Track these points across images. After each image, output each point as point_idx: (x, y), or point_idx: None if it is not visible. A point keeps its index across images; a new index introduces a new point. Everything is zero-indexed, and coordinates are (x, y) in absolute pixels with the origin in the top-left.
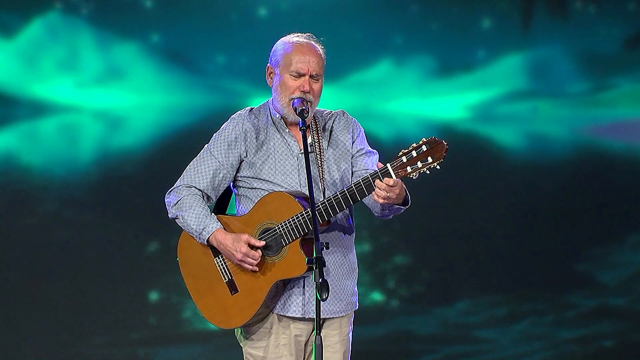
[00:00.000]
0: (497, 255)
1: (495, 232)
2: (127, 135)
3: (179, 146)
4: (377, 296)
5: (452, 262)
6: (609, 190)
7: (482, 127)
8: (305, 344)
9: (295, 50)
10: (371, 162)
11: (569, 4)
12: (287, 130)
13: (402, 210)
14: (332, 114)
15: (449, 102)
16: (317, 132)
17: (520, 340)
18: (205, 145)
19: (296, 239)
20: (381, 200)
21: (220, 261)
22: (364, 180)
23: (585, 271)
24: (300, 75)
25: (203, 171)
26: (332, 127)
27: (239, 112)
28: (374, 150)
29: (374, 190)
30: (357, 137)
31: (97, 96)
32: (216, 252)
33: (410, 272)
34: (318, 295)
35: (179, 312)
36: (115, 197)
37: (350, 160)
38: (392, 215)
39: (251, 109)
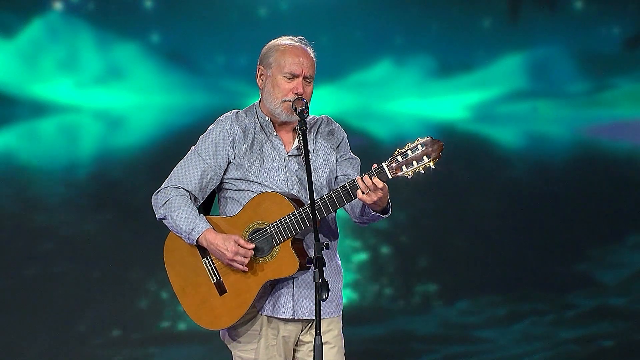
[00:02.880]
0: (497, 255)
1: (495, 232)
2: (127, 135)
3: (179, 146)
4: (376, 296)
5: (452, 262)
6: (609, 190)
7: (482, 127)
8: (294, 345)
9: (288, 52)
10: (352, 168)
11: None
12: (275, 133)
13: (381, 219)
14: (317, 120)
15: (449, 102)
16: (304, 135)
17: (520, 340)
18: (192, 147)
19: (287, 239)
20: (360, 195)
21: (209, 262)
22: (358, 177)
23: (585, 271)
24: (294, 76)
25: (191, 172)
26: (317, 131)
27: (225, 114)
28: (356, 156)
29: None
30: (340, 141)
31: (97, 96)
32: (204, 253)
33: (410, 272)
34: (319, 295)
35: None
36: (115, 197)
37: (335, 164)
38: (367, 224)
39: (237, 111)
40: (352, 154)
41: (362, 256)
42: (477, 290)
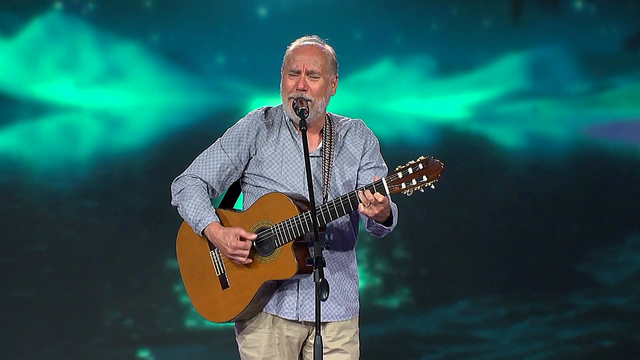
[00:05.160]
0: (497, 255)
1: (495, 232)
2: (127, 135)
3: (179, 146)
4: (377, 296)
5: (452, 262)
6: (609, 190)
7: (482, 127)
8: (302, 346)
9: (294, 50)
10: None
11: None
12: (297, 133)
13: (385, 231)
14: (349, 122)
15: (449, 102)
16: (330, 137)
17: (520, 340)
18: (218, 139)
19: (289, 241)
20: (362, 209)
21: (215, 255)
22: (359, 190)
23: (585, 271)
24: (295, 73)
25: (211, 164)
26: (346, 134)
27: (255, 110)
28: (384, 166)
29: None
30: (368, 149)
31: (97, 96)
32: (212, 245)
33: (410, 272)
34: (318, 295)
35: (179, 312)
36: (115, 197)
37: (357, 170)
38: (382, 236)
39: (268, 108)
40: (382, 162)
41: (363, 256)
42: (477, 290)
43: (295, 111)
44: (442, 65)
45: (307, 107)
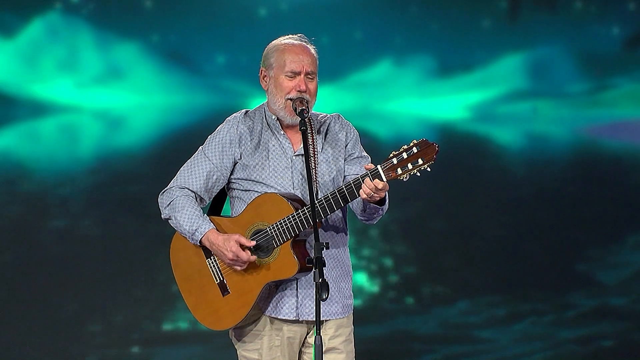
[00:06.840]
0: (497, 255)
1: (495, 232)
2: (127, 135)
3: (179, 146)
4: (377, 296)
5: (452, 262)
6: (609, 190)
7: (482, 127)
8: (300, 346)
9: (287, 50)
10: (362, 167)
11: None
12: (282, 133)
13: (380, 211)
14: (327, 117)
15: (449, 102)
16: (312, 134)
17: (520, 340)
18: (200, 147)
19: (287, 240)
20: (364, 196)
21: (212, 262)
22: (355, 181)
23: (585, 271)
24: (295, 74)
25: (197, 173)
26: (327, 129)
27: (234, 114)
28: (366, 155)
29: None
30: (350, 140)
31: (97, 96)
32: (208, 253)
33: (410, 272)
34: (318, 295)
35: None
36: (115, 197)
37: (343, 162)
38: (375, 221)
39: (246, 111)
40: (363, 152)
41: (362, 255)
42: (477, 290)
43: (295, 111)
44: (442, 65)
45: (307, 107)
